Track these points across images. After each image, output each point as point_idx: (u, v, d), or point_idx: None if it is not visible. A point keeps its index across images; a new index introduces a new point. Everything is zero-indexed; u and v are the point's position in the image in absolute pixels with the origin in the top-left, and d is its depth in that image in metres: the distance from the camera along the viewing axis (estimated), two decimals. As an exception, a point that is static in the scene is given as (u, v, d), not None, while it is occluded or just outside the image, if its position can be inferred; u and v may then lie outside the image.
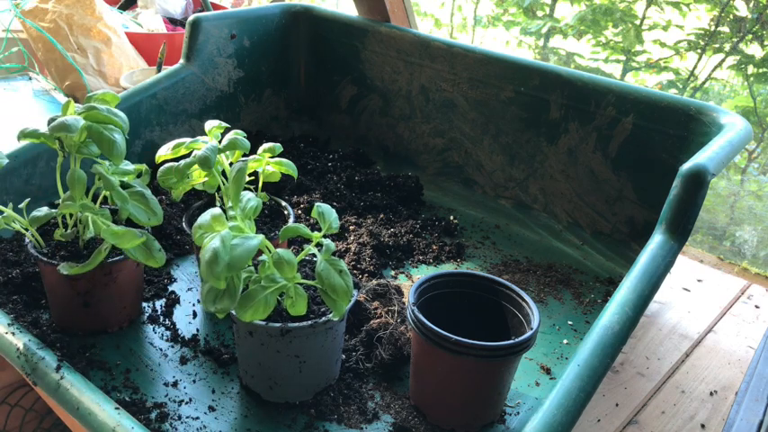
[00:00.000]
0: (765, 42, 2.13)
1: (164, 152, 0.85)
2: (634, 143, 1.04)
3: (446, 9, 2.98)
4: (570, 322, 0.95)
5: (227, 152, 0.86)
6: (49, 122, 0.75)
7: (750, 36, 2.15)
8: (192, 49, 1.24)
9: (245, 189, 0.76)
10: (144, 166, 0.82)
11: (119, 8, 1.98)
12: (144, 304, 0.91)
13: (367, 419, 0.74)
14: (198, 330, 0.87)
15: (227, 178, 0.83)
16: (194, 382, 0.78)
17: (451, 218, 1.20)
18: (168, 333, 0.86)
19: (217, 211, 0.68)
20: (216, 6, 1.98)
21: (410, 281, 1.01)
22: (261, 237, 0.66)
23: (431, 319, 0.70)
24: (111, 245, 0.74)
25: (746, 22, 2.15)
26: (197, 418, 0.73)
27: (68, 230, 0.80)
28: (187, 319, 0.89)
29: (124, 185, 0.77)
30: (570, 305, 0.99)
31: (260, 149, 0.89)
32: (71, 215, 0.80)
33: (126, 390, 0.76)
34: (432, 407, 0.75)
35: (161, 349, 0.83)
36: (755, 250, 1.89)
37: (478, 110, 1.23)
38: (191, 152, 0.83)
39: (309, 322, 0.70)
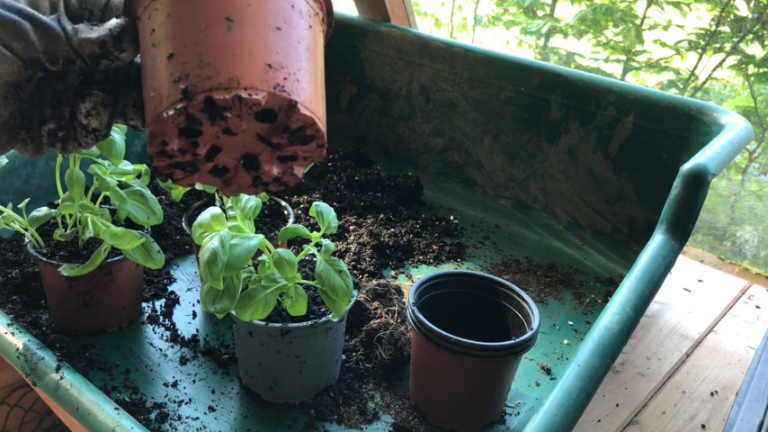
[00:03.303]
0: (766, 42, 2.13)
1: (163, 152, 0.85)
2: (634, 143, 1.04)
3: (446, 9, 2.98)
4: (570, 322, 0.95)
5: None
6: (49, 122, 0.75)
7: (750, 36, 2.15)
8: (191, 48, 1.24)
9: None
10: (144, 167, 0.81)
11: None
12: (144, 304, 0.91)
13: (367, 420, 0.74)
14: (198, 330, 0.87)
15: (226, 178, 0.82)
16: (194, 382, 0.78)
17: (452, 218, 1.19)
18: (168, 333, 0.86)
19: (216, 210, 0.68)
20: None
21: (410, 281, 1.01)
22: (260, 237, 0.66)
23: (431, 320, 0.70)
24: (111, 245, 0.74)
25: (747, 22, 2.15)
26: (197, 418, 0.73)
27: (68, 230, 0.80)
28: (187, 320, 0.89)
29: (123, 185, 0.77)
30: (570, 305, 0.99)
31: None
32: (70, 215, 0.80)
33: (126, 390, 0.76)
34: (432, 407, 0.75)
35: (161, 349, 0.83)
36: (756, 250, 1.89)
37: (479, 110, 1.23)
38: (190, 152, 0.83)
39: (309, 322, 0.69)
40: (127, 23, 0.45)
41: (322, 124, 0.44)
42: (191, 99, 0.39)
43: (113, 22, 0.45)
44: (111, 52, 0.45)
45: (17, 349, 0.72)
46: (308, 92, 0.44)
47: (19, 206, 0.79)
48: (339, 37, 1.39)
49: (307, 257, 0.79)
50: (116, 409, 0.64)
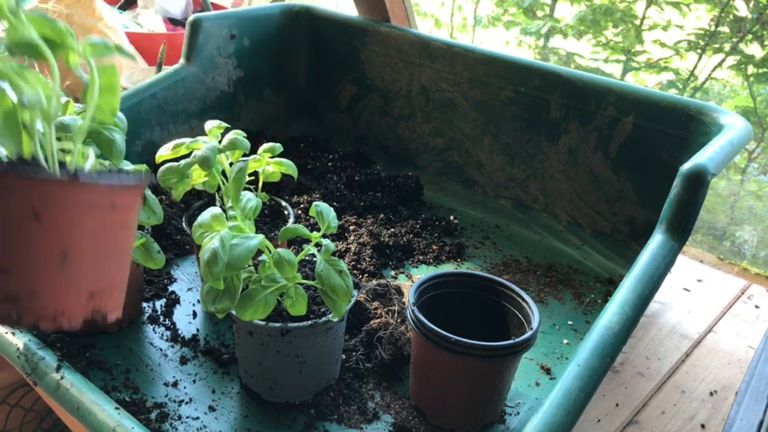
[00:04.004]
0: (765, 42, 2.13)
1: (164, 152, 0.85)
2: (634, 143, 1.04)
3: (446, 9, 2.98)
4: (570, 322, 0.95)
5: (227, 152, 0.86)
6: (49, 122, 0.75)
7: (750, 36, 2.15)
8: (192, 48, 1.24)
9: (245, 189, 0.76)
10: (144, 166, 0.82)
11: (119, 8, 1.98)
12: (144, 304, 0.91)
13: (367, 419, 0.74)
14: (198, 330, 0.87)
15: (226, 178, 0.82)
16: (194, 382, 0.78)
17: (451, 218, 1.20)
18: (168, 333, 0.86)
19: (216, 210, 0.68)
20: (216, 6, 1.98)
21: (410, 281, 1.01)
22: (260, 237, 0.66)
23: (431, 319, 0.70)
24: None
25: (746, 22, 2.15)
26: (197, 418, 0.73)
27: (68, 230, 0.80)
28: (187, 319, 0.89)
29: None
30: (570, 305, 0.99)
31: (260, 149, 0.89)
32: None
33: (126, 390, 0.76)
34: (432, 407, 0.75)
35: (161, 349, 0.83)
36: (755, 250, 1.89)
37: (479, 110, 1.23)
38: (191, 152, 0.83)
39: (309, 322, 0.70)
40: None
41: (118, 309, 0.49)
42: (19, 323, 0.44)
43: None
44: None
45: (17, 349, 0.72)
46: (118, 295, 0.48)
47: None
48: (339, 37, 1.39)
49: (307, 257, 0.79)
50: (116, 408, 0.64)
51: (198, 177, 0.85)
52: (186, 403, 0.75)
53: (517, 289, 0.77)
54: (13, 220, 0.43)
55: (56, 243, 0.44)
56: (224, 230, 0.65)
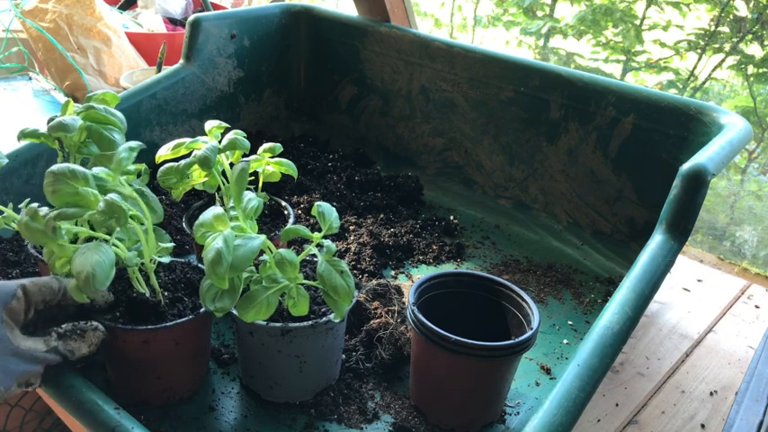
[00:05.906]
0: (765, 42, 2.13)
1: (164, 152, 0.85)
2: (634, 143, 1.04)
3: (446, 9, 2.98)
4: (570, 322, 0.95)
5: (227, 152, 0.86)
6: (49, 122, 0.76)
7: (750, 36, 2.15)
8: (192, 49, 1.24)
9: (246, 189, 0.76)
10: (143, 166, 0.82)
11: (119, 8, 1.98)
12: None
13: (367, 419, 0.74)
14: (198, 330, 0.87)
15: (226, 178, 0.83)
16: (194, 382, 0.78)
17: (451, 218, 1.20)
18: (168, 333, 0.86)
19: (219, 210, 0.68)
20: (216, 6, 1.98)
21: (410, 281, 1.01)
22: (263, 237, 0.66)
23: (431, 320, 0.70)
24: (112, 245, 0.74)
25: (746, 22, 2.15)
26: (197, 418, 0.73)
27: (69, 231, 0.81)
28: (187, 319, 0.89)
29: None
30: (570, 305, 0.99)
31: (260, 149, 0.89)
32: (71, 215, 0.80)
33: (126, 390, 0.76)
34: (432, 407, 0.75)
35: (161, 349, 0.83)
36: (755, 250, 1.89)
37: (478, 110, 1.23)
38: (191, 152, 0.83)
39: (310, 322, 0.70)
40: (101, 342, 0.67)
41: None
42: (170, 402, 0.74)
43: (98, 338, 0.67)
44: (95, 352, 0.67)
45: (18, 349, 0.72)
46: None
47: (19, 206, 0.79)
48: (339, 37, 1.39)
49: (307, 258, 0.79)
50: (116, 408, 0.64)
51: (198, 177, 0.85)
52: (186, 403, 0.75)
53: (517, 289, 0.77)
54: (164, 351, 0.69)
55: (189, 353, 0.72)
56: (227, 230, 0.65)
